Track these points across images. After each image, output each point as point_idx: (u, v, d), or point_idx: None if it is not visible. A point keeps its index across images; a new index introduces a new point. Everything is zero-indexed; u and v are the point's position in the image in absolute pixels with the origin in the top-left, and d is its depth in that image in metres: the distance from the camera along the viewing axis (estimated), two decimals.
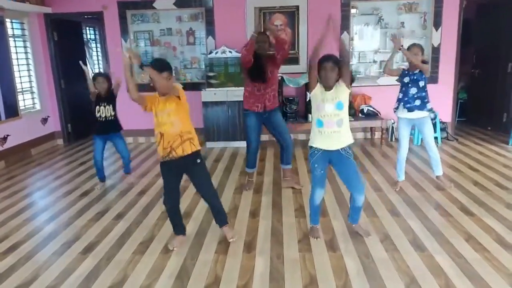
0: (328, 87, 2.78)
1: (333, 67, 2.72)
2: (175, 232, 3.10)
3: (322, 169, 2.93)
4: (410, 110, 3.84)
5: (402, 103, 3.87)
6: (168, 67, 2.77)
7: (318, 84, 2.82)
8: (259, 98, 3.90)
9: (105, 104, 4.13)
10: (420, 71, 3.79)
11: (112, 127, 4.24)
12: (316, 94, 2.83)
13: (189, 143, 2.83)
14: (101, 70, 8.83)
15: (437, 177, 4.10)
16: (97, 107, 4.14)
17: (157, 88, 2.73)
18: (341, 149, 2.86)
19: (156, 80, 2.68)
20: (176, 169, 2.90)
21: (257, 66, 3.80)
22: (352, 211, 3.11)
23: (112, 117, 4.20)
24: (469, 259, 2.73)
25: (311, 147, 2.95)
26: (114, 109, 4.19)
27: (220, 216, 3.09)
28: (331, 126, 2.80)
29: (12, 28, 5.85)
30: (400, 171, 4.07)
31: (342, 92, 2.78)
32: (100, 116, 4.16)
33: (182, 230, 3.11)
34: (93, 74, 4.28)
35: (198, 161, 2.91)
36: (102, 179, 4.41)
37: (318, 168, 2.92)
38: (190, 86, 6.08)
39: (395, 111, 4.00)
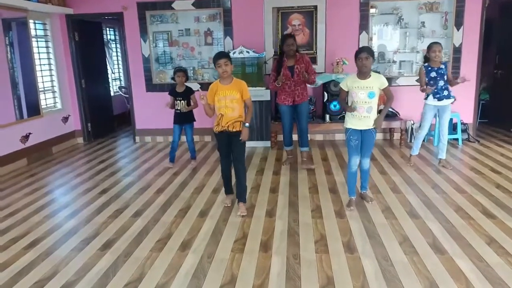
0: (362, 76, 3.37)
1: (367, 56, 3.28)
2: (225, 192, 3.87)
3: (357, 139, 3.52)
4: (440, 99, 4.48)
5: (432, 94, 4.49)
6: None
7: (350, 76, 3.50)
8: (289, 94, 4.63)
9: (181, 98, 4.84)
10: (445, 66, 4.43)
11: (186, 118, 4.94)
12: (350, 83, 3.44)
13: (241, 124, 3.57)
14: (118, 69, 8.96)
15: (440, 159, 4.72)
16: (176, 101, 4.87)
17: (226, 74, 3.45)
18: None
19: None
20: (227, 138, 3.60)
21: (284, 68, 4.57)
22: (362, 177, 3.72)
23: (186, 110, 4.88)
24: (491, 263, 2.66)
25: (346, 128, 3.56)
26: (188, 103, 4.86)
27: (242, 192, 3.65)
28: (361, 111, 3.42)
29: (35, 29, 5.99)
30: (416, 147, 4.75)
31: (376, 83, 3.36)
32: (177, 108, 4.88)
33: (231, 190, 3.87)
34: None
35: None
36: (172, 159, 5.12)
37: (353, 139, 3.52)
38: (207, 86, 6.04)
39: (425, 99, 4.60)
